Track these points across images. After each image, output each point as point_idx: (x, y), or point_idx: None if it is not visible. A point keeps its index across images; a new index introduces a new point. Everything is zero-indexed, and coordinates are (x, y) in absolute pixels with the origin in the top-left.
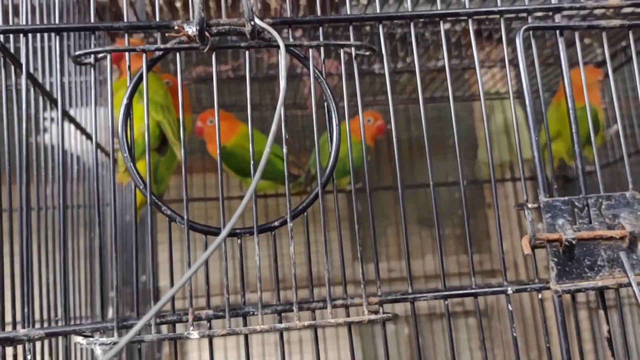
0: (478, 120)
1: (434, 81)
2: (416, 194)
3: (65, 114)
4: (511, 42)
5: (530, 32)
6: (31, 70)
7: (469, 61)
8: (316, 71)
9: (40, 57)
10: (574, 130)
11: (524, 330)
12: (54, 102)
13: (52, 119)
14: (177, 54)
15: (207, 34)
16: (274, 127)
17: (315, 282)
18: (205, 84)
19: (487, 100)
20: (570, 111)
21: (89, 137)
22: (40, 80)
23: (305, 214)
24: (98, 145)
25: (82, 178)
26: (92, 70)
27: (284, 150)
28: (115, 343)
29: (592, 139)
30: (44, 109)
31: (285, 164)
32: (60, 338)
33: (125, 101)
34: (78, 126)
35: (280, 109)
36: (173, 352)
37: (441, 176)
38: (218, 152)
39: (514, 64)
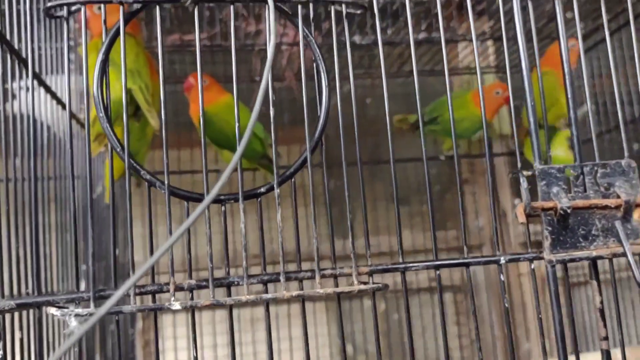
0: None
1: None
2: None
3: (36, 77)
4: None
5: None
6: None
7: (449, 34)
8: (305, 30)
9: (8, 20)
10: (569, 97)
11: (499, 305)
12: (23, 62)
13: (20, 88)
14: (157, 8)
15: None
16: (260, 92)
17: (304, 255)
18: (179, 53)
19: (466, 75)
20: (567, 77)
21: (59, 102)
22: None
23: (292, 180)
24: (71, 114)
25: (52, 148)
26: (65, 24)
27: (271, 112)
28: (92, 314)
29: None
30: (12, 73)
31: (272, 128)
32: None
33: (100, 57)
34: (49, 90)
35: (267, 71)
36: (149, 326)
37: (415, 152)
38: (201, 114)
39: (494, 37)
